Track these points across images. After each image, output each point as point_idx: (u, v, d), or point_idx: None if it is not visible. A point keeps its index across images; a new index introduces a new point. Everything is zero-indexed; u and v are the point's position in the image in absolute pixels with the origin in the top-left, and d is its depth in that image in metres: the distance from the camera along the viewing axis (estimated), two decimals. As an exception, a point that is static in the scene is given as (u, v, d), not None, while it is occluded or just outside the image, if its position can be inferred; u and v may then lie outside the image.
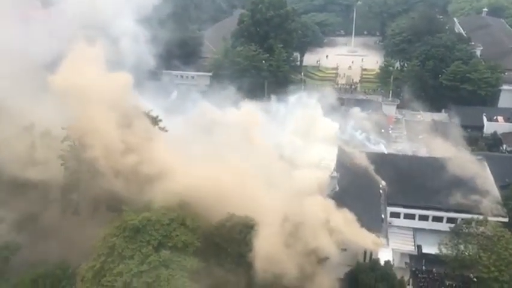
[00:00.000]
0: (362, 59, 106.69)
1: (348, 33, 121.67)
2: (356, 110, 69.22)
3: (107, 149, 36.29)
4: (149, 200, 35.96)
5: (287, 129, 54.92)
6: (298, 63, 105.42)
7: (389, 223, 47.73)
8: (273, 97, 66.27)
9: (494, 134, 70.07)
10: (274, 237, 34.49)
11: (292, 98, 64.44)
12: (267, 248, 33.85)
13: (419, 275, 47.49)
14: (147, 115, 42.49)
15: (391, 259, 41.90)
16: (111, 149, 36.45)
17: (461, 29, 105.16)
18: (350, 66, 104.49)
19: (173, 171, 36.89)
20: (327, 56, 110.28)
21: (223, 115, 51.51)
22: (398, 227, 48.53)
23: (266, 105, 61.84)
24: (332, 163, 48.31)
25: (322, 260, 35.96)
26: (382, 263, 39.97)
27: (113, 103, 37.88)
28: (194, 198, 35.81)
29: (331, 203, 39.62)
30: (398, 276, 40.21)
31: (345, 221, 37.84)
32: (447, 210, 47.34)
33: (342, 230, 36.97)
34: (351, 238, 37.78)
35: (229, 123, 48.31)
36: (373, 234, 40.13)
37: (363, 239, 38.88)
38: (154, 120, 42.70)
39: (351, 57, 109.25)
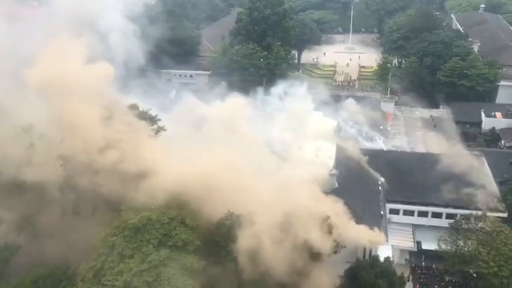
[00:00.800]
0: (359, 57, 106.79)
1: (345, 31, 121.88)
2: (350, 102, 68.35)
3: (86, 145, 35.04)
4: (136, 198, 35.06)
5: (277, 124, 53.42)
6: (296, 61, 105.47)
7: (389, 220, 47.85)
8: (260, 89, 64.30)
9: (493, 129, 70.29)
10: (265, 230, 34.26)
11: (279, 90, 61.66)
12: (256, 241, 33.55)
13: (419, 271, 47.63)
14: (145, 114, 42.46)
15: (390, 256, 41.99)
16: (90, 144, 35.14)
17: (458, 25, 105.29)
18: (348, 64, 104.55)
19: (160, 167, 35.85)
20: (324, 54, 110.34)
21: (210, 109, 50.25)
22: (398, 223, 48.72)
23: (254, 99, 59.57)
24: (328, 159, 48.12)
25: (315, 256, 35.79)
26: (381, 259, 40.03)
27: (93, 95, 36.51)
28: (184, 194, 35.22)
29: (321, 193, 39.22)
30: (398, 273, 40.30)
31: (337, 214, 37.47)
32: (446, 206, 47.55)
33: (336, 223, 36.71)
34: (345, 232, 37.49)
35: (216, 117, 46.99)
36: (370, 230, 40.02)
37: (357, 233, 38.51)
38: (153, 120, 42.66)
39: (348, 54, 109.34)
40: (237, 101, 49.97)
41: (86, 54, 37.97)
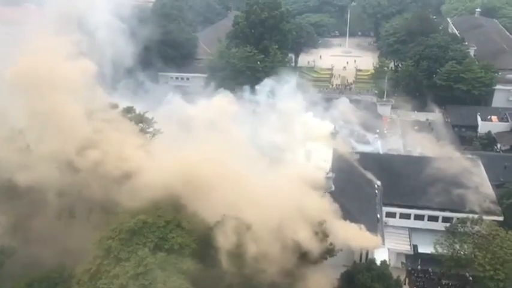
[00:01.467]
0: (355, 60, 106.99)
1: (342, 34, 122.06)
2: (342, 101, 67.33)
3: (65, 144, 34.15)
4: (121, 200, 34.45)
5: (271, 126, 51.52)
6: (293, 64, 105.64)
7: (385, 223, 47.87)
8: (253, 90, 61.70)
9: (489, 133, 70.50)
10: (259, 232, 33.95)
11: (271, 90, 58.10)
12: (251, 243, 33.26)
13: (415, 275, 47.64)
14: (142, 117, 42.41)
15: (387, 259, 41.96)
16: (69, 143, 34.25)
17: (454, 29, 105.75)
18: (345, 67, 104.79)
19: (145, 167, 34.97)
20: (320, 57, 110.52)
21: (195, 108, 49.28)
22: (394, 226, 48.71)
23: (248, 100, 57.28)
24: (325, 162, 47.95)
25: (306, 256, 35.61)
26: (378, 263, 40.04)
27: (72, 92, 35.55)
28: (171, 193, 34.78)
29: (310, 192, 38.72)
30: (395, 276, 40.26)
31: (326, 213, 37.06)
32: (442, 210, 47.61)
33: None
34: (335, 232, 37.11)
35: (201, 115, 46.13)
36: (361, 231, 39.97)
37: (345, 232, 38.05)
38: (149, 122, 42.62)
39: (345, 58, 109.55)
40: (223, 99, 49.38)
41: (74, 54, 37.19)
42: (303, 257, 35.83)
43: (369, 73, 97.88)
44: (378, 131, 65.58)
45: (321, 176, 44.64)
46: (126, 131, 38.38)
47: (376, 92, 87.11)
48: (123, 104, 42.33)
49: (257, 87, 60.94)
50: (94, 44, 46.28)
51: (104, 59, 45.93)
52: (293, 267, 35.24)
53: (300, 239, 34.62)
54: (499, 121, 71.78)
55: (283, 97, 56.11)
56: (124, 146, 36.36)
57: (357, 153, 54.53)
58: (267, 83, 59.69)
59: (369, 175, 50.91)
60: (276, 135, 49.34)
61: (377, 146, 61.66)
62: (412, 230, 48.67)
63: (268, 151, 44.74)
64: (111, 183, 34.83)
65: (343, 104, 66.89)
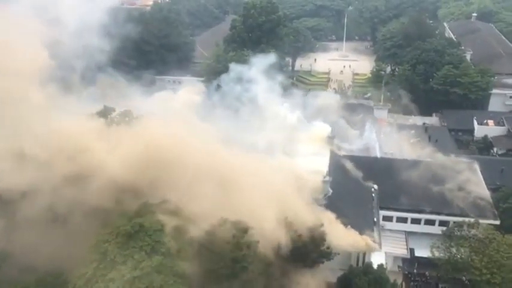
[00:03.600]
0: (350, 66, 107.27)
1: (339, 38, 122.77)
2: (325, 95, 66.16)
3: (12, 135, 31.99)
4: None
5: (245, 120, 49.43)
6: (290, 68, 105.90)
7: (382, 227, 47.89)
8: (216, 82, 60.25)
9: (485, 137, 70.75)
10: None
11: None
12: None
13: (412, 279, 47.64)
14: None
15: (384, 263, 41.97)
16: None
17: (451, 33, 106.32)
18: (342, 71, 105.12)
19: (107, 159, 33.11)
20: (315, 60, 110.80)
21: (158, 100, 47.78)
22: (391, 230, 48.74)
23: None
24: (322, 165, 47.90)
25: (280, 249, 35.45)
26: (375, 266, 40.03)
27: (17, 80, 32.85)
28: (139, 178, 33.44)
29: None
30: (391, 280, 40.28)
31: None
32: (439, 213, 47.65)
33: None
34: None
35: (165, 106, 44.67)
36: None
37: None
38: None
39: (342, 62, 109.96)
40: (189, 90, 48.24)
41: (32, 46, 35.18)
42: (298, 260, 35.87)
43: (365, 77, 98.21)
44: (364, 129, 64.43)
45: (318, 179, 44.68)
46: (82, 120, 36.16)
47: (368, 95, 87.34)
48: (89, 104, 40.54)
49: (222, 76, 57.59)
50: (75, 44, 44.66)
51: (79, 57, 44.23)
52: (288, 270, 35.23)
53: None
54: (495, 125, 72.09)
55: (259, 88, 53.99)
56: (81, 137, 34.02)
57: (353, 156, 54.43)
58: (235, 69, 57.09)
59: (366, 178, 50.82)
60: (253, 134, 47.10)
61: (358, 145, 60.57)
62: (409, 234, 48.67)
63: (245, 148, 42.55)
64: (73, 181, 33.06)
65: (325, 97, 65.80)
